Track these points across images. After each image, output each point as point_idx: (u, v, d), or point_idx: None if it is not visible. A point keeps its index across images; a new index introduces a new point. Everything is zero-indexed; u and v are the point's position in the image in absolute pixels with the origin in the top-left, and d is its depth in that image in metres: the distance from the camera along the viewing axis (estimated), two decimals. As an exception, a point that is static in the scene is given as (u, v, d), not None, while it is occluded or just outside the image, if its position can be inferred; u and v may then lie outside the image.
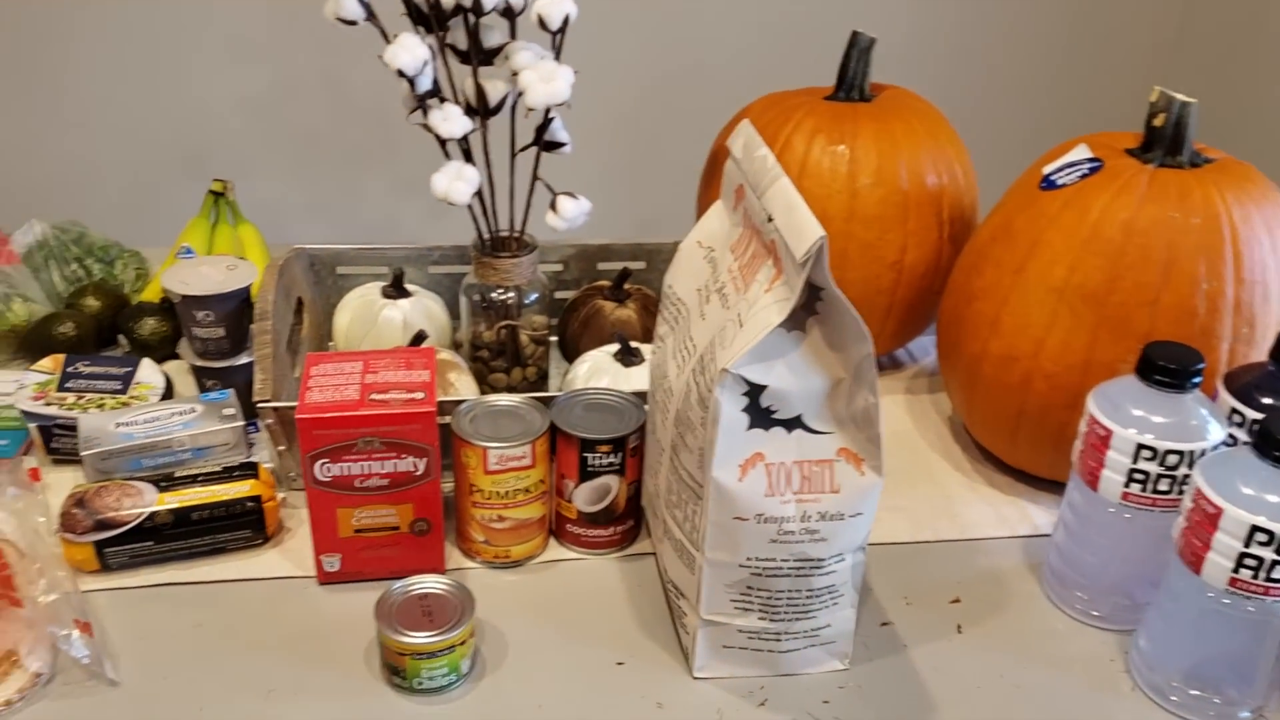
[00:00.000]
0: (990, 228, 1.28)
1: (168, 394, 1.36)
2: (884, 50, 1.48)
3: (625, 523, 1.20)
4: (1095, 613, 1.13)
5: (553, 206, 1.31)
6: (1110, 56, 2.38)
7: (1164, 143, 1.19)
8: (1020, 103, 2.38)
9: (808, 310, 0.90)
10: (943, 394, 1.51)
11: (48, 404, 1.29)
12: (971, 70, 2.32)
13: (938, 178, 1.42)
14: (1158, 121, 1.20)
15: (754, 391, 0.91)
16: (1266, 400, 1.06)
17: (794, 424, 0.93)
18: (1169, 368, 1.02)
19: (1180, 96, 1.18)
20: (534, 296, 1.38)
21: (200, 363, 1.37)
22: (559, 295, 1.54)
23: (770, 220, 0.91)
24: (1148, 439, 1.02)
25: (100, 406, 1.29)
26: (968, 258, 1.31)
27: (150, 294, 1.62)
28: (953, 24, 2.27)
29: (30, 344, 1.47)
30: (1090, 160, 1.22)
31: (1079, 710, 1.04)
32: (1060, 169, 1.23)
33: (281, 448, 1.22)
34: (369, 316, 1.40)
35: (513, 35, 1.26)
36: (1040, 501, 1.30)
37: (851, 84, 1.47)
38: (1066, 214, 1.19)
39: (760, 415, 0.92)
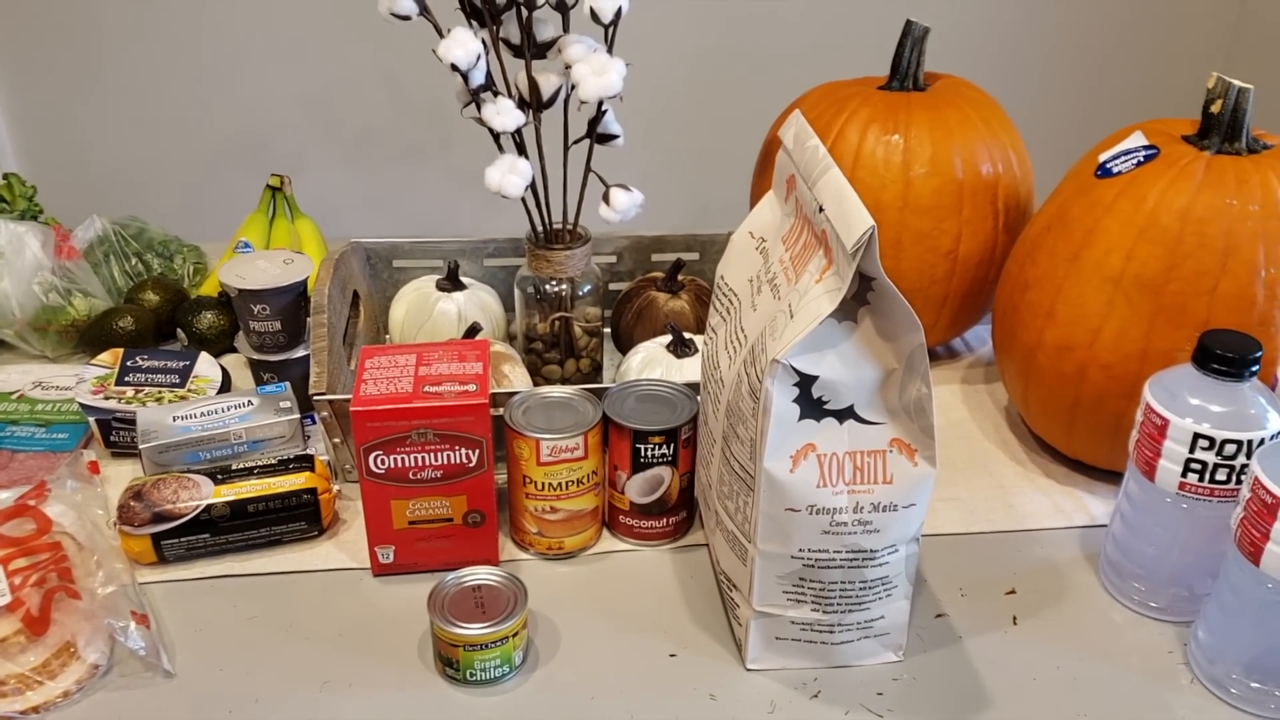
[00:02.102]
0: (1045, 216, 1.27)
1: (225, 387, 1.38)
2: (938, 39, 1.47)
3: (678, 514, 1.20)
4: (1153, 604, 1.12)
5: (606, 199, 1.31)
6: (1166, 42, 2.35)
7: (1221, 129, 1.18)
8: (1075, 90, 2.36)
9: (859, 300, 0.90)
10: (999, 384, 1.50)
11: (107, 398, 1.30)
12: (1026, 58, 2.30)
13: (992, 166, 1.41)
14: (1215, 107, 1.18)
15: (805, 382, 0.91)
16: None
17: (846, 414, 0.93)
18: (1227, 356, 1.01)
19: (1237, 82, 1.17)
20: (587, 288, 1.38)
21: (257, 356, 1.38)
22: (613, 287, 1.54)
23: (821, 210, 0.90)
24: (1205, 428, 1.01)
25: (158, 400, 1.31)
26: (1022, 247, 1.30)
27: (208, 288, 1.64)
28: (1006, 11, 2.25)
29: (90, 338, 1.49)
30: (1146, 147, 1.21)
31: (1137, 703, 1.03)
32: (1115, 156, 1.22)
33: (336, 440, 1.23)
34: (424, 309, 1.41)
35: (565, 28, 1.26)
36: (1097, 492, 1.29)
37: (905, 73, 1.47)
38: (1122, 202, 1.18)
39: (811, 406, 0.92)
